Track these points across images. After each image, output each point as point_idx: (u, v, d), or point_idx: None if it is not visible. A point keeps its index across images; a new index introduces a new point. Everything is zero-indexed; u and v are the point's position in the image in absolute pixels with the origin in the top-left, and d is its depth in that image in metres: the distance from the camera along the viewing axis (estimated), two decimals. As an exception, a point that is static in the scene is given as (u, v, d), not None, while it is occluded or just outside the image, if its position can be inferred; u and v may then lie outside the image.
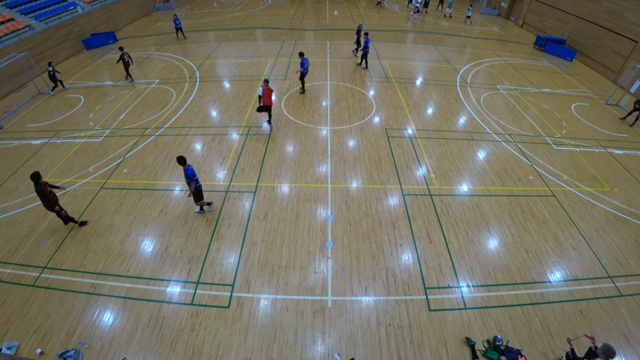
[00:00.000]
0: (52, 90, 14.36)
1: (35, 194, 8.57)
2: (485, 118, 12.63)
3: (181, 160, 7.24)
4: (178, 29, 20.76)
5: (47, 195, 7.23)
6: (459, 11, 29.13)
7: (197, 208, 8.42)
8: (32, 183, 9.35)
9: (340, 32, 22.33)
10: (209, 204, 8.41)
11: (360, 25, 17.28)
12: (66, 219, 7.90)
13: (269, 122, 11.86)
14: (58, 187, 7.70)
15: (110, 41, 20.56)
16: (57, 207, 7.51)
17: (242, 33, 21.99)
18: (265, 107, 11.06)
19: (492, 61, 18.19)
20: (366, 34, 15.39)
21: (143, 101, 13.48)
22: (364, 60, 16.19)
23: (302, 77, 13.55)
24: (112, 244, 7.62)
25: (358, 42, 17.13)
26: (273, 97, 11.53)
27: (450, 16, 26.71)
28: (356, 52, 17.81)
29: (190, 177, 7.32)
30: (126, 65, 14.83)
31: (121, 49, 14.65)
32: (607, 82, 16.70)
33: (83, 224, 8.09)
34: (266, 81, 10.76)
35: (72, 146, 10.92)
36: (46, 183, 7.29)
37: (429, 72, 16.46)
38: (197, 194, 7.79)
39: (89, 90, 14.49)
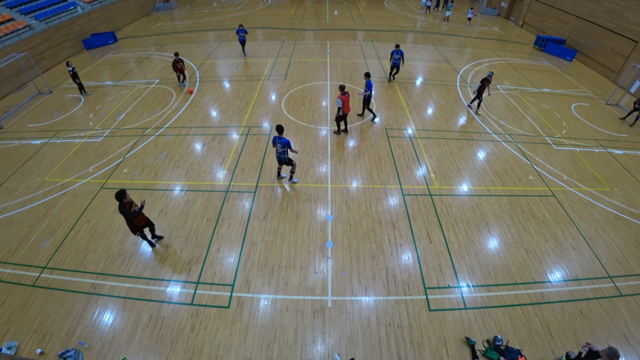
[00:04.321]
0: (82, 94, 13.98)
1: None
2: (485, 118, 12.62)
3: (279, 129, 8.17)
4: (242, 42, 17.31)
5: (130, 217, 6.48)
6: (460, 12, 29.13)
7: (295, 178, 9.30)
8: (32, 183, 9.40)
9: (340, 32, 22.33)
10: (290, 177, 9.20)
11: (491, 72, 12.22)
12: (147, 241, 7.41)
13: (345, 130, 11.32)
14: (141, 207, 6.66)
15: (110, 41, 20.57)
16: (138, 233, 6.98)
17: (242, 33, 21.99)
18: (344, 115, 10.60)
19: (492, 61, 18.19)
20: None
21: (143, 101, 13.48)
22: (476, 102, 13.17)
23: (367, 102, 11.70)
24: (112, 244, 7.62)
25: (479, 93, 12.39)
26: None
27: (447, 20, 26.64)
28: (477, 108, 12.95)
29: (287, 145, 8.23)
30: (179, 70, 14.01)
31: (176, 54, 13.83)
32: (607, 82, 16.69)
33: (159, 238, 7.66)
34: (342, 88, 10.03)
35: (72, 146, 10.92)
36: (131, 202, 6.46)
37: (429, 72, 16.46)
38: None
39: (89, 90, 14.48)
